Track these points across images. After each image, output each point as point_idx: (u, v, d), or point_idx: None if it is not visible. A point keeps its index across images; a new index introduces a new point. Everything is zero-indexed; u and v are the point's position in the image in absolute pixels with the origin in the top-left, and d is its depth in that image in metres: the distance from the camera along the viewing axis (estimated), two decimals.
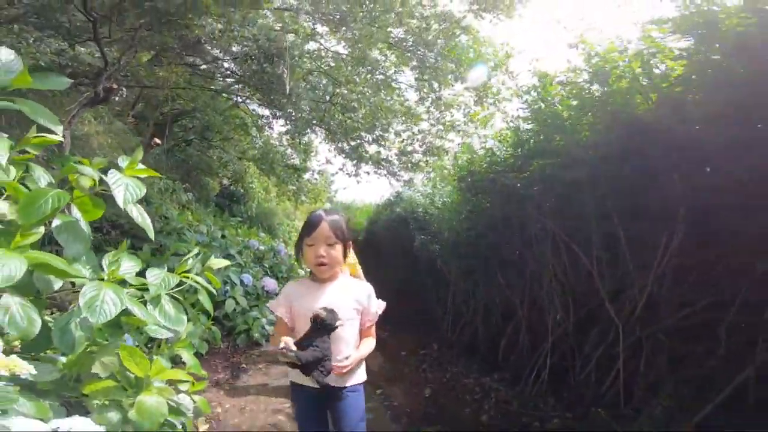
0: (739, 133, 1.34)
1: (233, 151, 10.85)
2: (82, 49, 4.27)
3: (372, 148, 6.75)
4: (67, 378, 1.05)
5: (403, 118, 6.85)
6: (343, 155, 6.88)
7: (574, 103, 1.90)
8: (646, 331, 1.85)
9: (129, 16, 3.69)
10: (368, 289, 1.42)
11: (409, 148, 6.94)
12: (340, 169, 7.27)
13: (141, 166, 1.15)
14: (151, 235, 1.17)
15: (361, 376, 1.39)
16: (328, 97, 5.85)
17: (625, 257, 1.87)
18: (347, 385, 1.35)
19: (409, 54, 6.20)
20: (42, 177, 1.12)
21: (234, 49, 5.24)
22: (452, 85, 6.45)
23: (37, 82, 1.05)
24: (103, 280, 1.01)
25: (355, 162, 6.96)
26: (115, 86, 3.46)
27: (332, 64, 6.72)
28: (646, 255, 1.81)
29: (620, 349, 1.90)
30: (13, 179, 1.01)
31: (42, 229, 1.00)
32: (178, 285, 1.19)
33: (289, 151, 10.62)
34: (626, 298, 1.92)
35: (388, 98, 6.61)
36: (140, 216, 1.14)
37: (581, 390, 2.13)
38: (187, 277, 1.22)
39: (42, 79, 1.11)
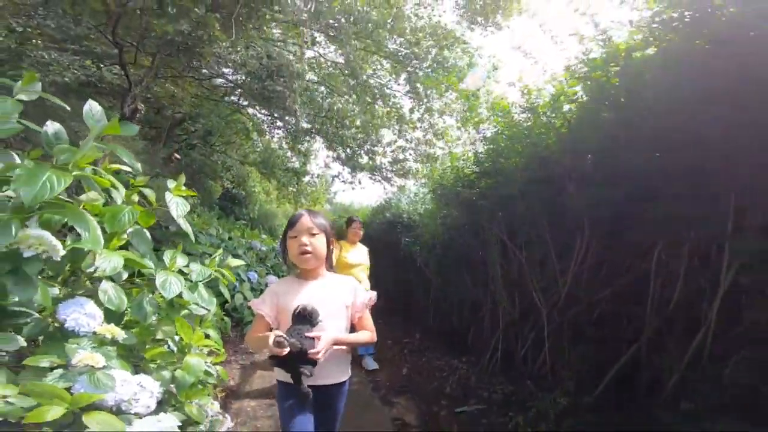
0: (612, 166, 1.87)
1: (235, 155, 11.43)
2: (105, 68, 4.84)
3: (366, 158, 7.29)
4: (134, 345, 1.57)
5: (397, 126, 7.41)
6: (340, 162, 7.44)
7: (508, 133, 2.42)
8: (566, 318, 2.38)
9: (151, 45, 4.26)
10: (352, 282, 1.47)
11: (401, 156, 7.51)
12: (337, 176, 7.86)
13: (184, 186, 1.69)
14: (192, 238, 1.71)
15: (345, 373, 1.41)
16: (324, 112, 6.37)
17: (551, 258, 2.40)
18: (332, 383, 1.37)
19: (399, 66, 6.78)
20: (117, 196, 1.67)
21: (234, 64, 5.81)
22: (443, 95, 7.03)
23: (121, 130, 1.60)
24: (166, 269, 1.56)
25: (350, 170, 7.51)
26: (140, 107, 4.00)
27: (331, 70, 7.30)
28: (566, 256, 2.34)
29: (545, 333, 2.43)
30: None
31: (125, 236, 1.55)
32: (207, 277, 1.74)
33: (289, 154, 11.15)
34: (552, 291, 2.46)
35: (383, 107, 7.19)
36: (185, 225, 1.69)
37: (520, 367, 2.67)
38: (216, 271, 1.77)
39: (124, 127, 1.65)
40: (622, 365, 2.07)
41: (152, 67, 4.31)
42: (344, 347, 1.38)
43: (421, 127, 7.40)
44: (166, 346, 1.64)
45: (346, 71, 6.58)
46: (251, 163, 11.13)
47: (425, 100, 6.90)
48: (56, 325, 1.25)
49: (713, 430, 1.44)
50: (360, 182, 7.70)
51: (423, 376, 3.24)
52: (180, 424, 1.27)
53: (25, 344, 1.12)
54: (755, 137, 1.37)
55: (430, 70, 6.66)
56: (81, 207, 1.34)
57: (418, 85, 6.72)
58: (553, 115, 2.13)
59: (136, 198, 1.65)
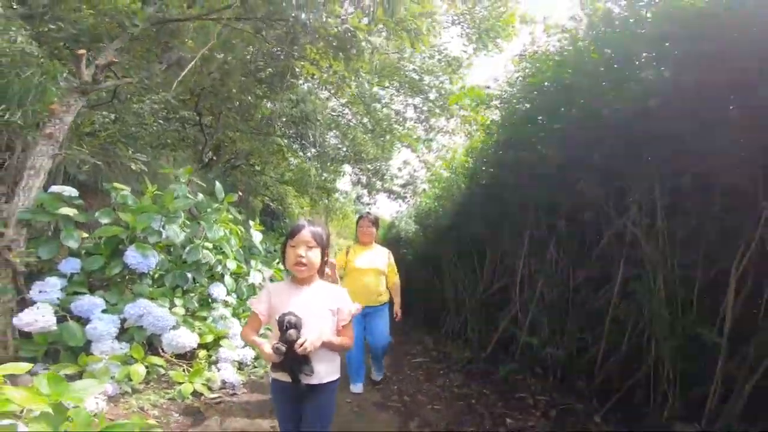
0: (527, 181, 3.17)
1: (273, 174, 13.45)
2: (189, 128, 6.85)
3: (382, 183, 8.97)
4: None
5: (410, 148, 9.02)
6: (360, 186, 9.15)
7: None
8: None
9: (216, 107, 6.16)
10: (342, 293, 1.59)
11: (410, 179, 9.09)
12: (357, 199, 9.58)
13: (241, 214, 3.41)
14: (262, 253, 3.42)
15: (333, 373, 1.52)
16: (344, 148, 8.11)
17: (503, 259, 3.71)
18: (321, 382, 1.47)
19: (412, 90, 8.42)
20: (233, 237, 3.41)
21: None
22: (446, 121, 8.55)
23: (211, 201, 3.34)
24: (252, 269, 3.27)
25: (368, 192, 9.18)
26: (214, 158, 5.88)
27: (350, 119, 9.06)
28: (513, 259, 3.63)
29: (507, 319, 3.79)
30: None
31: (238, 247, 3.29)
32: (271, 275, 3.44)
33: (320, 171, 13.06)
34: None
35: (399, 130, 8.82)
36: (260, 246, 3.41)
37: (484, 346, 3.99)
38: (276, 272, 3.45)
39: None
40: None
41: (218, 126, 6.22)
42: (331, 349, 1.50)
43: (432, 150, 8.95)
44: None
45: (362, 107, 8.30)
46: (287, 182, 13.09)
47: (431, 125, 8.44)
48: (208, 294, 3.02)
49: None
50: (376, 203, 9.36)
51: (407, 347, 4.75)
52: None
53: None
54: None
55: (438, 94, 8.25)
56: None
57: (425, 108, 8.31)
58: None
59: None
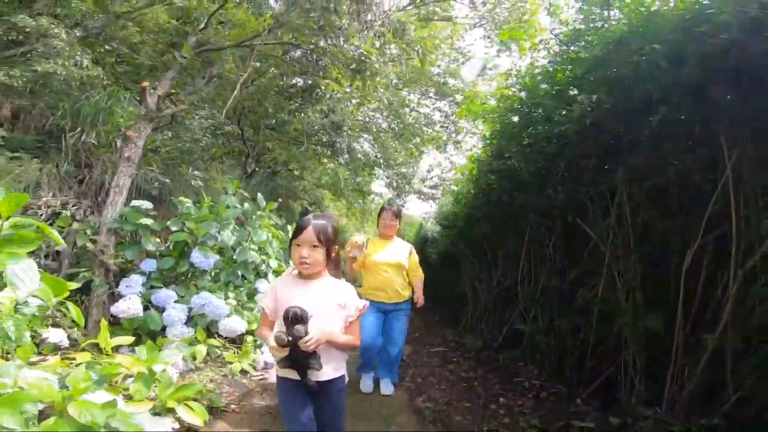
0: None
1: (310, 179, 14.31)
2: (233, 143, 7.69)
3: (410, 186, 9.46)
4: None
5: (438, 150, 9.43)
6: (391, 189, 9.65)
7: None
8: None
9: (255, 122, 6.91)
10: (349, 289, 1.58)
11: (441, 176, 9.46)
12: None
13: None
14: None
15: (340, 369, 1.53)
16: (374, 154, 8.66)
17: (510, 257, 4.11)
18: (329, 378, 1.48)
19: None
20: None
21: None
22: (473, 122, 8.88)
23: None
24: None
25: (397, 195, 9.68)
26: (257, 169, 6.62)
27: (381, 123, 9.60)
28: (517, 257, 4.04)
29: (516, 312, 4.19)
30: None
31: (279, 248, 3.91)
32: None
33: (352, 175, 13.74)
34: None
35: (428, 133, 9.26)
36: None
37: (495, 337, 4.39)
38: None
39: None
40: None
41: (259, 140, 6.96)
42: (336, 347, 1.49)
43: (462, 149, 9.30)
44: None
45: (391, 112, 8.80)
46: (323, 186, 13.87)
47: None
48: (254, 288, 3.63)
49: None
50: (404, 205, 9.84)
51: (428, 337, 5.19)
52: None
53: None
54: None
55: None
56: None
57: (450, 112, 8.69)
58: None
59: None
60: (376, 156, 8.72)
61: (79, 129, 4.60)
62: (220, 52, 5.31)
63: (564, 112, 2.11)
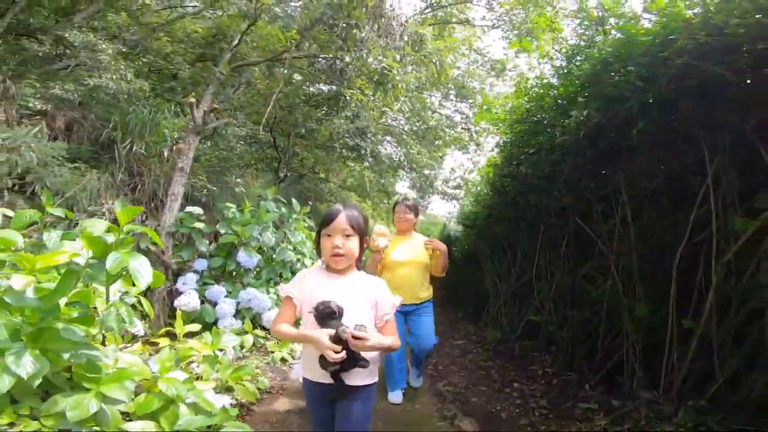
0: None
1: (336, 181, 14.85)
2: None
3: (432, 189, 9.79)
4: None
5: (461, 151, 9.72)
6: (415, 190, 9.97)
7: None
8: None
9: (286, 131, 7.42)
10: (380, 284, 1.46)
11: (464, 177, 9.71)
12: (403, 199, 10.50)
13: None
14: None
15: (373, 376, 1.40)
16: (398, 158, 9.02)
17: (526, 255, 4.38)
18: (364, 384, 1.37)
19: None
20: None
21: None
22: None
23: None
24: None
25: (422, 196, 10.00)
26: (288, 174, 7.12)
27: (403, 125, 9.96)
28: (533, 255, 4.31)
29: (532, 307, 4.50)
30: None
31: (313, 248, 4.34)
32: None
33: (377, 177, 14.18)
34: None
35: (449, 134, 9.56)
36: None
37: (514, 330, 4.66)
38: None
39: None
40: None
41: (289, 147, 7.46)
42: (380, 350, 1.35)
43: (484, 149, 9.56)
44: None
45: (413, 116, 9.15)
46: (348, 188, 14.37)
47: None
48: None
49: None
50: (428, 204, 10.14)
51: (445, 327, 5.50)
52: None
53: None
54: None
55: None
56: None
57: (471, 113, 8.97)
58: None
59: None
60: (400, 159, 9.07)
61: (129, 140, 5.21)
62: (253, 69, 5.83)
63: (564, 124, 2.39)
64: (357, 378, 1.36)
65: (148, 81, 6.15)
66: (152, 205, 5.64)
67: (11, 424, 1.51)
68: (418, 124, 9.22)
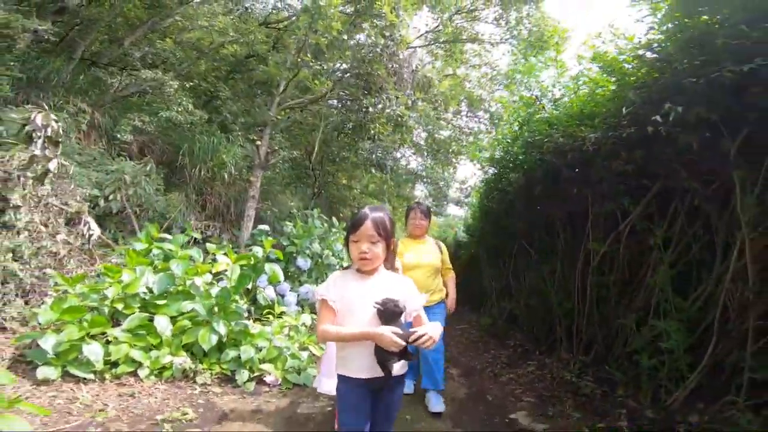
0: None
1: (359, 186, 16.46)
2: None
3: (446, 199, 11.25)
4: None
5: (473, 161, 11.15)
6: (430, 198, 11.42)
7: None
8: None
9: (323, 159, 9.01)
10: (408, 283, 1.59)
11: (473, 186, 11.14)
12: (417, 204, 11.97)
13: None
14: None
15: (404, 367, 1.52)
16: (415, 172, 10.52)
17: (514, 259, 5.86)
18: (403, 372, 1.53)
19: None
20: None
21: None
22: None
23: None
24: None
25: (437, 205, 11.47)
26: (322, 191, 8.70)
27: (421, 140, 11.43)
28: (513, 259, 5.80)
29: (510, 298, 5.93)
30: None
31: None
32: None
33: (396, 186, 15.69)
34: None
35: (464, 142, 10.97)
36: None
37: (501, 316, 6.14)
38: None
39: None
40: None
41: (322, 169, 9.06)
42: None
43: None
44: None
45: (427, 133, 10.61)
46: (370, 193, 15.94)
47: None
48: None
49: None
50: (444, 209, 11.59)
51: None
52: None
53: None
54: None
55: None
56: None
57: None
58: None
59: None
60: (417, 170, 10.55)
61: (198, 166, 6.87)
62: (293, 104, 7.43)
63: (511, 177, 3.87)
64: (402, 368, 1.50)
65: (204, 111, 7.78)
66: (220, 219, 7.36)
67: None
68: (430, 141, 10.69)
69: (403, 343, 1.36)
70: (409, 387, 3.17)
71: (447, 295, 3.22)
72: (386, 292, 1.48)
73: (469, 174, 11.67)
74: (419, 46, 10.79)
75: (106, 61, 7.57)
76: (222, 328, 3.05)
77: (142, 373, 2.95)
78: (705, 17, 2.05)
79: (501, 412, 2.87)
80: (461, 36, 10.18)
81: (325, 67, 6.76)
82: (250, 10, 9.18)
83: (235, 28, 7.57)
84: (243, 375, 3.15)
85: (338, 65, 7.39)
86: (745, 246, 2.12)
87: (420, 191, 18.70)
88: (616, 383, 2.92)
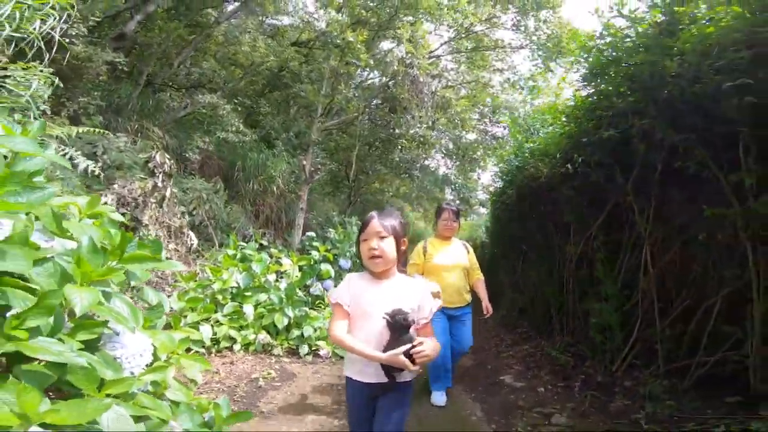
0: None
1: (391, 190, 17.59)
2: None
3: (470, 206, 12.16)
4: None
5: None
6: (458, 201, 12.37)
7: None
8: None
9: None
10: (423, 287, 1.63)
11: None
12: (447, 204, 12.89)
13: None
14: None
15: (411, 373, 1.51)
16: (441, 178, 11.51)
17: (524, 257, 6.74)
18: (409, 379, 1.56)
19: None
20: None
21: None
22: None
23: None
24: None
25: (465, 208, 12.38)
26: (358, 199, 9.90)
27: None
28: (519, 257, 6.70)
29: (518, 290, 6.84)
30: None
31: None
32: None
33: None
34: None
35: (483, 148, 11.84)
36: None
37: (514, 307, 7.03)
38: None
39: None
40: None
41: (357, 180, 10.25)
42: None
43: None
44: None
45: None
46: (401, 196, 17.03)
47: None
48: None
49: None
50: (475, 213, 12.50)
51: None
52: None
53: None
54: None
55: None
56: None
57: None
58: None
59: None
60: (445, 175, 11.54)
61: (250, 180, 8.15)
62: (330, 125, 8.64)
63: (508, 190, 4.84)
64: (407, 374, 1.51)
65: (253, 130, 9.03)
66: (272, 227, 8.69)
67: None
68: (455, 147, 11.63)
69: (414, 368, 1.43)
70: (441, 398, 3.18)
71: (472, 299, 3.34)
72: (400, 297, 1.53)
73: (490, 180, 12.36)
74: (441, 55, 11.75)
75: (160, 82, 8.82)
76: (291, 313, 4.26)
77: (236, 347, 4.19)
78: (603, 86, 2.96)
79: (494, 376, 3.90)
80: (482, 43, 10.97)
81: (356, 95, 7.90)
82: (279, 28, 10.15)
83: (267, 46, 8.69)
84: (304, 349, 4.34)
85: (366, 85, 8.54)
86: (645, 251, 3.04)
87: (449, 194, 19.56)
88: (587, 357, 3.85)
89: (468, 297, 3.22)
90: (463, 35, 10.32)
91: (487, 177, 13.27)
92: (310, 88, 8.43)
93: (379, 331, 1.49)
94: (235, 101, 9.16)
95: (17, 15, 1.99)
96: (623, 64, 2.71)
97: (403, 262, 1.67)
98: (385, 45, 8.98)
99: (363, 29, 7.73)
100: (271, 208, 9.02)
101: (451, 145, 12.05)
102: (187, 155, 7.85)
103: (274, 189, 8.75)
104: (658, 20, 2.33)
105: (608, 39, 2.73)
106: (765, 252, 2.22)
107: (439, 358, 2.76)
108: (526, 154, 4.50)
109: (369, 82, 8.66)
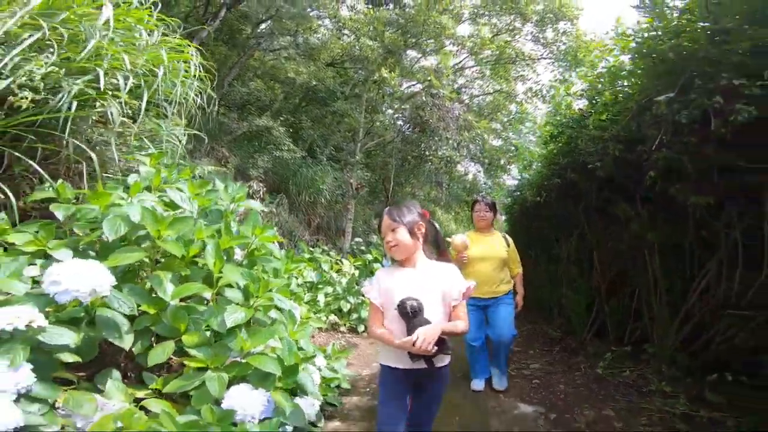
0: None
1: (420, 194, 19.14)
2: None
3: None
4: None
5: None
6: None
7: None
8: None
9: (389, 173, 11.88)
10: (452, 270, 1.68)
11: None
12: (481, 197, 14.22)
13: None
14: None
15: (443, 359, 1.62)
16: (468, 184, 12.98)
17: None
18: (446, 364, 1.64)
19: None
20: None
21: None
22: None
23: None
24: None
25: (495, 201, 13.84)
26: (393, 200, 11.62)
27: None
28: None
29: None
30: None
31: None
32: None
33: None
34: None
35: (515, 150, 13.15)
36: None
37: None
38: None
39: None
40: None
41: (392, 188, 11.92)
42: (450, 336, 1.59)
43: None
44: None
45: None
46: (432, 200, 18.53)
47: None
48: None
49: None
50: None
51: None
52: None
53: None
54: None
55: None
56: None
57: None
58: None
59: None
60: (475, 180, 12.98)
61: (302, 193, 9.88)
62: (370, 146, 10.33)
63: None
64: (443, 359, 1.63)
65: (300, 148, 10.72)
66: (323, 234, 10.48)
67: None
68: (482, 153, 13.02)
69: (426, 348, 1.47)
70: (479, 384, 3.32)
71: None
72: (426, 282, 1.62)
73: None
74: (466, 67, 13.19)
75: (216, 104, 10.60)
76: (352, 300, 5.98)
77: (314, 325, 5.96)
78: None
79: None
80: (504, 54, 12.17)
81: (391, 121, 9.48)
82: (313, 45, 11.36)
83: (303, 62, 10.17)
84: (361, 327, 6.04)
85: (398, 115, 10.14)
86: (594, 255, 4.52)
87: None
88: (572, 333, 5.34)
89: (505, 288, 3.29)
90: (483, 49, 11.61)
91: (513, 182, 14.62)
92: (353, 118, 10.14)
93: (398, 319, 1.61)
94: (281, 118, 10.76)
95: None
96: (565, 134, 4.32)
97: (431, 242, 1.76)
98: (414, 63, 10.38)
99: (394, 61, 9.33)
100: (321, 217, 10.81)
101: (477, 152, 13.48)
102: (249, 173, 9.65)
103: (322, 200, 10.50)
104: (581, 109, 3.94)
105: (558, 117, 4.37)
106: (659, 260, 3.68)
107: (474, 351, 3.28)
108: (524, 182, 5.98)
109: (402, 107, 10.25)
